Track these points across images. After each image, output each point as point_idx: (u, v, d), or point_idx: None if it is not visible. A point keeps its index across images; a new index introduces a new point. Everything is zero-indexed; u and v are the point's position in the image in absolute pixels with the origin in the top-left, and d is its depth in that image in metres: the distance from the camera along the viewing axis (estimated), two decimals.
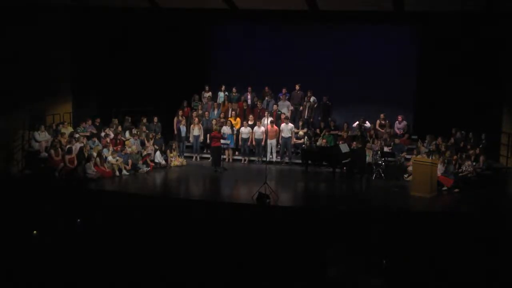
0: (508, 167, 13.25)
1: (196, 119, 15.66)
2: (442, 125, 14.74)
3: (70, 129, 14.90)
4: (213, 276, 6.83)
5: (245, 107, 16.18)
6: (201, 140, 15.74)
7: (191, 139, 15.80)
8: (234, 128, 15.62)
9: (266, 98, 16.47)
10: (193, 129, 15.60)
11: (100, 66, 16.55)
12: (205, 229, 9.09)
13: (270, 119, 15.19)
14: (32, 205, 10.32)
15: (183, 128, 15.74)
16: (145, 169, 14.31)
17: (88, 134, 14.53)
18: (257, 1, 14.91)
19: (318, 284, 6.96)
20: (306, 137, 15.44)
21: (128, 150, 14.25)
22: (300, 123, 15.92)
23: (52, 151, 13.37)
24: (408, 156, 14.29)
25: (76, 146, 13.58)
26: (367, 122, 15.82)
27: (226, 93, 16.98)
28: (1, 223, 8.76)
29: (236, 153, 15.91)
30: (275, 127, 15.23)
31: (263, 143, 15.27)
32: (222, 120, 15.67)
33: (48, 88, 15.59)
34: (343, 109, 17.10)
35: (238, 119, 15.99)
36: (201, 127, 15.69)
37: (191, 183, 13.82)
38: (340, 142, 14.60)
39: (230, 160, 15.60)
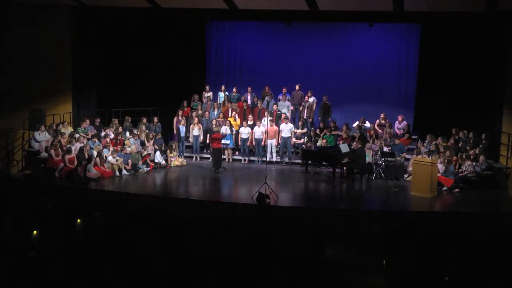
0: (508, 167, 13.24)
1: (196, 119, 15.66)
2: (442, 125, 14.77)
3: (70, 129, 14.91)
4: (212, 276, 6.83)
5: (245, 107, 16.18)
6: (201, 140, 15.74)
7: (190, 139, 15.80)
8: (233, 128, 15.61)
9: (266, 98, 16.47)
10: (192, 129, 15.60)
11: (100, 66, 16.56)
12: (205, 229, 9.08)
13: (269, 118, 15.20)
14: (32, 205, 10.31)
15: (182, 128, 15.74)
16: (145, 169, 14.31)
17: (89, 136, 14.52)
18: (257, 1, 14.91)
19: (318, 284, 6.96)
20: (306, 137, 15.45)
21: (128, 150, 14.26)
22: (300, 123, 15.92)
23: (52, 151, 13.38)
24: (408, 156, 14.30)
25: (76, 146, 13.58)
26: (367, 122, 15.83)
27: (226, 93, 16.98)
28: (0, 223, 8.76)
29: (236, 153, 15.91)
30: (275, 127, 15.23)
31: (263, 143, 15.27)
32: (221, 120, 15.66)
33: (48, 88, 15.62)
34: (343, 109, 17.12)
35: (238, 119, 15.99)
36: (201, 127, 15.69)
37: (191, 183, 13.82)
38: (340, 142, 14.62)
39: (230, 160, 15.60)
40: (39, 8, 15.12)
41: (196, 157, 15.84)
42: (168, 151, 15.17)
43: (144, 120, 15.82)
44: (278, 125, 15.37)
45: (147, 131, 15.42)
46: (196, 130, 15.57)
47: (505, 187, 12.94)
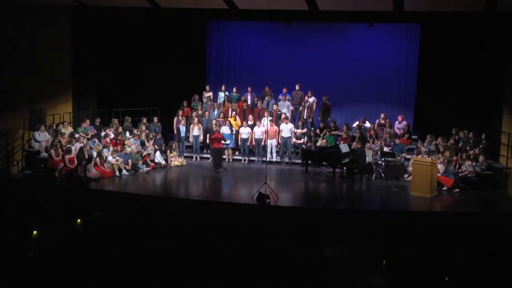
0: (508, 167, 13.24)
1: (196, 119, 15.66)
2: (442, 125, 14.78)
3: (70, 129, 14.91)
4: (212, 276, 6.83)
5: (245, 107, 16.18)
6: (201, 140, 15.75)
7: (190, 139, 15.81)
8: (233, 128, 15.61)
9: (266, 98, 16.48)
10: (192, 129, 15.60)
11: (100, 66, 16.56)
12: (204, 229, 9.08)
13: (269, 118, 15.21)
14: (32, 205, 10.32)
15: (182, 128, 15.75)
16: (145, 169, 14.31)
17: (89, 136, 14.52)
18: (257, 1, 14.92)
19: (318, 284, 6.96)
20: (306, 137, 15.46)
21: (128, 150, 14.26)
22: (300, 123, 15.92)
23: (52, 151, 13.38)
24: (408, 156, 14.30)
25: (76, 146, 13.58)
26: (367, 122, 15.84)
27: (226, 93, 16.99)
28: (1, 223, 8.76)
29: (236, 153, 15.91)
30: (275, 127, 15.23)
31: (263, 143, 15.27)
32: (221, 120, 15.66)
33: (48, 88, 15.62)
34: (343, 109, 17.14)
35: (238, 119, 15.99)
36: (201, 127, 15.69)
37: (191, 183, 13.83)
38: (340, 142, 14.62)
39: (230, 160, 15.60)
40: (39, 8, 15.11)
41: (196, 157, 15.84)
42: (168, 151, 15.17)
43: (144, 120, 15.82)
44: (278, 125, 15.37)
45: (147, 131, 15.42)
46: (196, 130, 15.57)
47: (505, 187, 12.94)
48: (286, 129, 15.10)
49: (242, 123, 15.70)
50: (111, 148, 14.10)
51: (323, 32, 17.22)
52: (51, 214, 9.57)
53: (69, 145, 13.51)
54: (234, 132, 15.59)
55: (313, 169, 14.71)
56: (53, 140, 13.92)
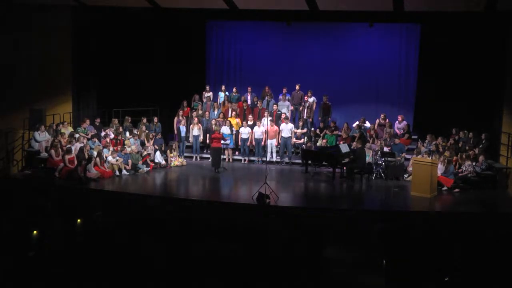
0: (508, 167, 13.24)
1: (196, 119, 15.66)
2: (442, 125, 14.78)
3: (70, 129, 14.91)
4: (212, 276, 6.83)
5: (245, 107, 16.18)
6: (201, 140, 15.75)
7: (190, 139, 15.81)
8: (233, 128, 15.61)
9: (266, 98, 16.48)
10: (192, 129, 15.60)
11: (101, 66, 16.55)
12: (205, 229, 9.08)
13: (269, 118, 15.21)
14: (32, 205, 10.32)
15: (183, 128, 15.75)
16: (145, 169, 14.31)
17: (89, 136, 14.52)
18: (257, 1, 14.92)
19: (318, 284, 6.96)
20: (306, 137, 15.46)
21: (128, 150, 14.26)
22: (300, 123, 15.92)
23: (52, 151, 13.38)
24: (408, 156, 14.30)
25: (76, 146, 13.58)
26: (367, 122, 15.84)
27: (226, 93, 16.99)
28: (0, 223, 8.76)
29: (236, 153, 15.91)
30: (275, 127, 15.23)
31: (263, 143, 15.28)
32: (221, 120, 15.66)
33: (48, 88, 15.61)
34: (343, 109, 17.14)
35: (238, 119, 15.99)
36: (201, 127, 15.69)
37: (191, 183, 13.83)
38: (340, 142, 14.62)
39: (230, 160, 15.60)
40: (39, 8, 15.12)
41: (196, 157, 15.84)
42: (168, 151, 15.17)
43: (144, 120, 15.82)
44: (278, 125, 15.37)
45: (147, 131, 15.42)
46: (196, 130, 15.57)
47: (505, 187, 12.94)
48: (286, 129, 15.10)
49: (242, 123, 15.69)
50: (111, 148, 14.10)
51: (323, 32, 17.22)
52: (51, 214, 9.57)
53: (69, 145, 13.52)
54: (234, 132, 15.59)
55: (313, 169, 14.72)
56: (53, 140, 13.93)
